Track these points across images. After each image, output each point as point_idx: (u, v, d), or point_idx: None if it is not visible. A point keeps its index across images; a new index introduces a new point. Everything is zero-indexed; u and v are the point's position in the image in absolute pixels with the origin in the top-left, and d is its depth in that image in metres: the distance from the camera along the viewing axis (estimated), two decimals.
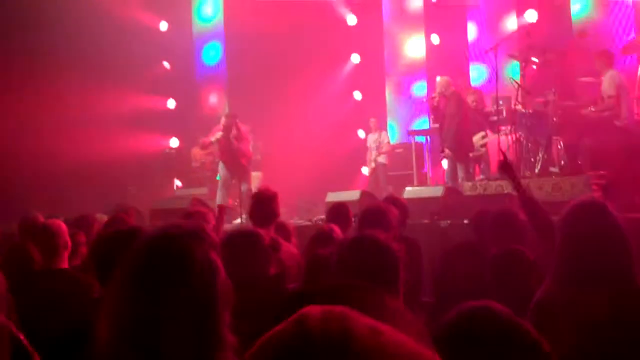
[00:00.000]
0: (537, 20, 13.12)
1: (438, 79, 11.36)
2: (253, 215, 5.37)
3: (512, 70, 11.92)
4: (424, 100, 11.49)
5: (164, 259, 1.86)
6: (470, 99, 11.40)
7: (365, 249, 2.68)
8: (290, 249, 5.03)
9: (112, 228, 4.24)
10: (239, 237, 3.23)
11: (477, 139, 11.44)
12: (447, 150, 10.75)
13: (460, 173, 10.67)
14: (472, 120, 11.07)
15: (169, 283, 1.83)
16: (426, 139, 13.18)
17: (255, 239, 3.20)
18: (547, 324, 2.64)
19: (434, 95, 10.95)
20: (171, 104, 15.93)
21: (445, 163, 11.61)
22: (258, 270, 3.09)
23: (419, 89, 14.89)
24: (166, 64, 15.86)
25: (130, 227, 3.46)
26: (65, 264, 4.58)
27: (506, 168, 4.77)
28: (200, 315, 1.85)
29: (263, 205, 5.30)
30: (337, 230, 4.32)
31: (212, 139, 12.28)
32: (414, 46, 15.16)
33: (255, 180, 13.16)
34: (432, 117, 11.31)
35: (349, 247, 2.75)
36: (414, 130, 13.61)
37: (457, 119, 10.57)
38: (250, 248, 3.17)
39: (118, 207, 6.51)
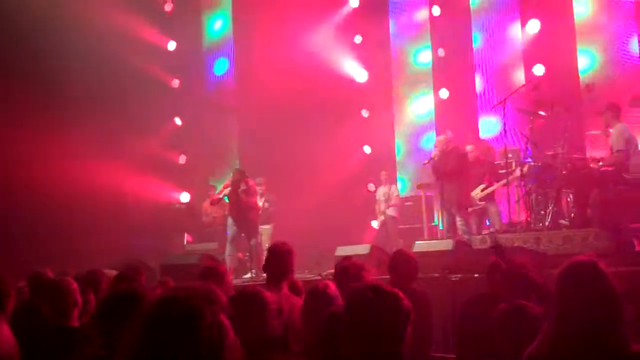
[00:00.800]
0: (545, 74, 13.22)
1: (440, 136, 11.45)
2: (267, 269, 5.33)
3: (520, 123, 11.97)
4: (424, 163, 11.46)
5: (172, 322, 1.86)
6: (468, 149, 11.46)
7: (378, 302, 2.65)
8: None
9: (118, 288, 4.23)
10: (243, 300, 3.22)
11: (476, 192, 11.45)
12: (447, 204, 10.80)
13: (461, 226, 10.69)
14: (473, 174, 11.14)
15: (178, 346, 1.83)
16: (435, 192, 13.19)
17: (260, 302, 3.19)
18: None
19: (433, 154, 10.99)
20: (182, 159, 16.07)
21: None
22: (260, 333, 3.07)
23: (428, 142, 14.97)
24: (178, 120, 16.05)
25: (134, 288, 3.46)
26: (75, 322, 4.57)
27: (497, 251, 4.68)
28: None
29: (278, 260, 5.25)
30: (331, 286, 4.29)
31: (221, 195, 12.42)
32: (423, 100, 15.30)
33: (266, 233, 13.18)
34: (434, 174, 11.32)
35: (362, 300, 2.71)
36: (423, 184, 13.63)
37: (457, 175, 10.63)
38: (254, 311, 3.15)
39: (126, 264, 6.50)
